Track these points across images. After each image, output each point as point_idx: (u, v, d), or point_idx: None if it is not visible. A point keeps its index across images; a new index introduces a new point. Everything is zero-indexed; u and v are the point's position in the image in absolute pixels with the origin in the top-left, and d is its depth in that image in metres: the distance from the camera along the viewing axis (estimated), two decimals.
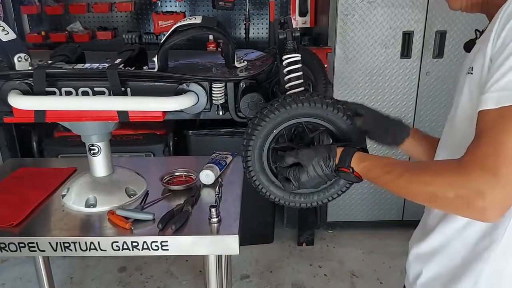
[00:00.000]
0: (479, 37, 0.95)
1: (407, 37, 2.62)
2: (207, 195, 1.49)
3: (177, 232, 1.26)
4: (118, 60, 1.23)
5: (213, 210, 1.31)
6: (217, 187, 1.49)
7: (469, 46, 0.97)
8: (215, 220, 1.31)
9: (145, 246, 1.25)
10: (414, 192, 0.85)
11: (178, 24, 1.19)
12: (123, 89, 1.21)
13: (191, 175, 1.58)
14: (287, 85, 1.10)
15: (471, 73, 0.84)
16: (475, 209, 0.74)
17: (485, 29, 0.95)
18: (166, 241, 1.25)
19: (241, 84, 1.26)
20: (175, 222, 1.28)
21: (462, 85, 0.91)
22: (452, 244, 0.95)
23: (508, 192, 0.73)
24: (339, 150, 0.97)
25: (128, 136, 2.84)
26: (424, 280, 1.05)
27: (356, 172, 0.95)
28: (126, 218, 1.31)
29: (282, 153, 1.03)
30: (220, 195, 1.45)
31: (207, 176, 1.53)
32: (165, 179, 1.56)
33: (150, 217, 1.32)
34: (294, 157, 0.99)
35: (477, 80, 0.82)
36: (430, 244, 1.02)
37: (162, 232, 1.27)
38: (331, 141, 1.09)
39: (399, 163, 0.91)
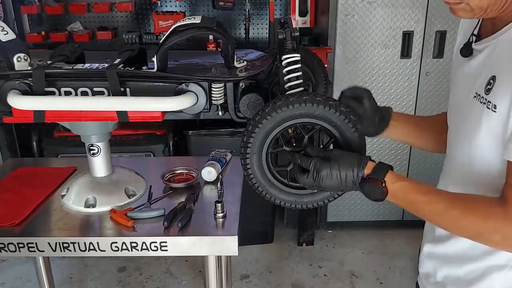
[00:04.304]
0: (475, 42, 0.95)
1: (407, 37, 2.62)
2: (208, 192, 1.50)
3: (181, 230, 1.27)
4: (117, 60, 1.23)
5: (219, 205, 1.32)
6: (218, 184, 1.49)
7: (466, 51, 0.97)
8: (220, 215, 1.32)
9: (144, 247, 1.25)
10: (457, 229, 0.90)
11: (177, 24, 1.19)
12: (122, 89, 1.21)
13: (192, 173, 1.58)
14: (286, 85, 1.10)
15: (494, 111, 0.84)
16: None
17: (480, 34, 0.94)
18: (165, 242, 1.25)
19: (240, 84, 1.25)
20: (181, 220, 1.28)
21: (473, 113, 0.90)
22: (468, 253, 0.98)
23: None
24: (371, 163, 0.94)
25: (128, 136, 2.84)
26: (436, 281, 1.07)
27: (385, 188, 0.91)
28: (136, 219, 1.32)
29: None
30: (222, 191, 1.46)
31: (209, 173, 1.54)
32: (166, 177, 1.56)
33: (162, 212, 1.33)
34: (324, 153, 0.95)
35: (502, 121, 0.83)
36: (444, 248, 1.04)
37: (167, 230, 1.27)
38: (329, 138, 1.08)
39: (441, 193, 0.91)
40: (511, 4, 0.85)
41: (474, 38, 0.96)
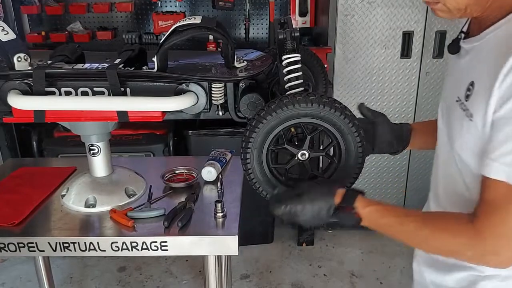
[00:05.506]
0: (463, 38, 0.92)
1: (407, 37, 2.62)
2: (208, 192, 1.50)
3: (181, 229, 1.27)
4: (117, 60, 1.23)
5: (219, 205, 1.32)
6: (218, 183, 1.49)
7: (452, 47, 0.96)
8: (220, 215, 1.32)
9: (144, 247, 1.25)
10: (431, 248, 0.90)
11: (178, 24, 1.19)
12: (122, 89, 1.21)
13: (192, 173, 1.58)
14: (286, 85, 1.10)
15: (471, 120, 0.83)
16: (491, 263, 0.84)
17: (469, 31, 0.92)
18: (166, 242, 1.25)
19: (240, 84, 1.26)
20: (181, 220, 1.28)
21: (455, 118, 0.88)
22: (456, 261, 0.95)
23: None
24: (341, 191, 0.95)
25: (128, 136, 2.84)
26: (425, 284, 1.06)
27: (357, 214, 0.92)
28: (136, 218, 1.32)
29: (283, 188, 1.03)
30: (222, 190, 1.46)
31: (209, 172, 1.54)
32: (166, 177, 1.56)
33: (162, 212, 1.33)
34: (294, 189, 0.98)
35: (479, 130, 0.82)
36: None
37: (167, 230, 1.27)
38: (331, 141, 1.08)
39: (412, 214, 0.91)
40: (493, 4, 0.82)
41: (463, 35, 0.94)
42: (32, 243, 1.25)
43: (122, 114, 1.22)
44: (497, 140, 0.77)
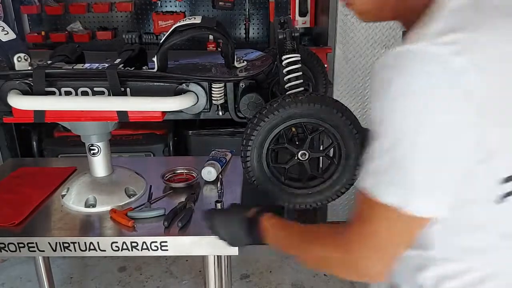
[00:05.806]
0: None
1: None
2: (208, 192, 1.50)
3: (181, 229, 1.27)
4: (117, 60, 1.23)
5: (219, 205, 1.32)
6: (218, 183, 1.49)
7: None
8: None
9: (144, 247, 1.25)
10: (312, 262, 0.88)
11: (178, 24, 1.20)
12: (122, 89, 1.21)
13: (192, 173, 1.58)
14: (286, 85, 1.10)
15: None
16: (357, 277, 0.80)
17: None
18: (166, 242, 1.25)
19: (240, 84, 1.26)
20: (181, 219, 1.28)
21: None
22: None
23: (387, 262, 0.76)
24: (254, 208, 1.00)
25: (128, 136, 2.84)
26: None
27: (263, 229, 0.96)
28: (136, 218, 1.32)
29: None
30: (222, 190, 1.46)
31: (209, 173, 1.54)
32: (166, 177, 1.56)
33: (162, 212, 1.33)
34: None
35: None
36: None
37: (167, 230, 1.27)
38: (331, 141, 1.09)
39: (296, 227, 0.91)
40: (400, 8, 0.78)
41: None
42: (32, 243, 1.25)
43: (122, 114, 1.22)
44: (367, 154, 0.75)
